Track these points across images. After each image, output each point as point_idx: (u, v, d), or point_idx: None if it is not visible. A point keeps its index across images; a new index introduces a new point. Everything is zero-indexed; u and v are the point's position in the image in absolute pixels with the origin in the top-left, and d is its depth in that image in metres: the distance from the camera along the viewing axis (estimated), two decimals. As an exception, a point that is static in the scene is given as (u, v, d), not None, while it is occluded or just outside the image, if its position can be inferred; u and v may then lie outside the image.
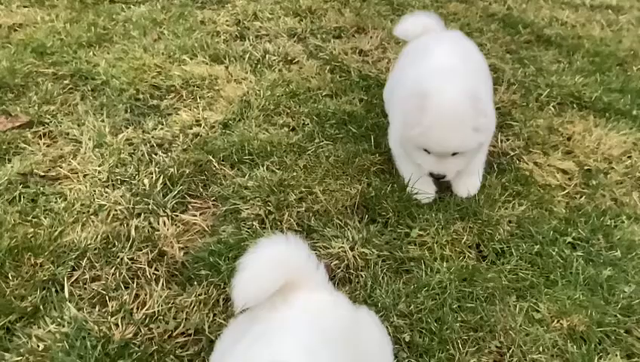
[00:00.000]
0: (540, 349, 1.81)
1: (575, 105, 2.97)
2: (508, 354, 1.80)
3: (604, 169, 2.57)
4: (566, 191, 2.45)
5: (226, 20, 3.63)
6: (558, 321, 1.89)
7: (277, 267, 1.43)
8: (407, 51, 2.67)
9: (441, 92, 2.14)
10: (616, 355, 1.80)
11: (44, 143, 2.55)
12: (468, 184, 2.36)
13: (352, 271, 2.03)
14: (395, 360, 1.73)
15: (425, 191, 2.31)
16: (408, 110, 2.18)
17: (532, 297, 1.96)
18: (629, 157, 2.63)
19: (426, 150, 2.19)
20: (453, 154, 2.18)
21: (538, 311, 1.92)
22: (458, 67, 2.32)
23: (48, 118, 2.69)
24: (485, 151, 2.42)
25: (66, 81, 2.95)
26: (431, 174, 2.24)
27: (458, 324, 1.85)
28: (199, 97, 2.88)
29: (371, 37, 3.53)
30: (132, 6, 3.70)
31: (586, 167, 2.57)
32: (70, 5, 3.65)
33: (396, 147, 2.40)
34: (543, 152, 2.64)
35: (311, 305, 1.46)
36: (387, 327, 1.78)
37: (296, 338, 1.32)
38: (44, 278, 1.94)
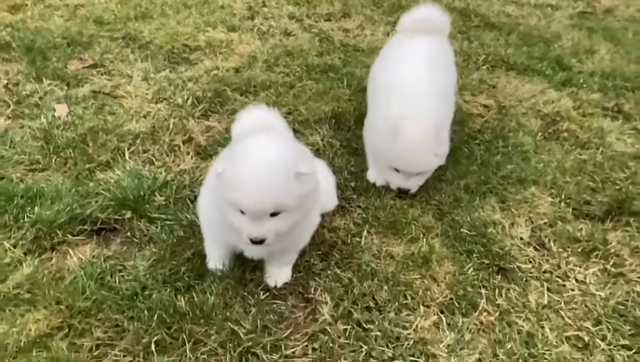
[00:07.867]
0: (442, 196, 2.71)
1: (503, 67, 3.90)
2: (420, 199, 2.70)
3: (515, 105, 3.48)
4: (484, 118, 3.36)
5: (241, 6, 4.61)
6: (457, 181, 2.79)
7: (259, 114, 2.35)
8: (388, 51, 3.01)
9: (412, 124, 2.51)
10: (492, 199, 2.69)
11: (105, 77, 3.51)
12: None
13: (320, 152, 2.95)
14: (343, 196, 2.65)
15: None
16: (384, 139, 2.57)
17: (442, 170, 2.86)
18: (535, 98, 3.54)
19: (396, 169, 2.62)
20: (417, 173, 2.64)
21: (444, 176, 2.82)
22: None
23: (108, 62, 3.66)
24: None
25: (119, 41, 3.93)
26: (399, 189, 2.66)
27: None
28: (218, 53, 3.85)
29: (354, 20, 4.50)
30: (167, -6, 4.71)
31: (502, 104, 3.49)
32: (120, -8, 4.67)
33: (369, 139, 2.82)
34: (472, 94, 3.56)
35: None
36: (340, 179, 2.70)
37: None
38: (112, 148, 2.88)
